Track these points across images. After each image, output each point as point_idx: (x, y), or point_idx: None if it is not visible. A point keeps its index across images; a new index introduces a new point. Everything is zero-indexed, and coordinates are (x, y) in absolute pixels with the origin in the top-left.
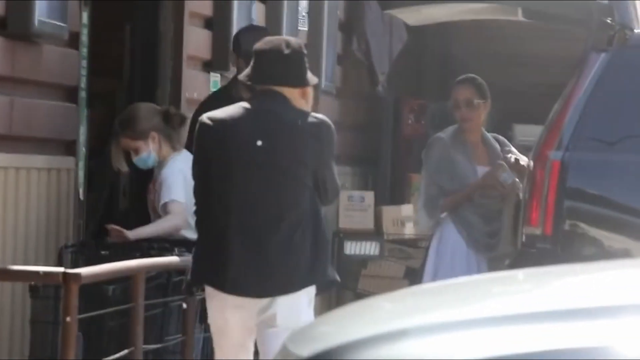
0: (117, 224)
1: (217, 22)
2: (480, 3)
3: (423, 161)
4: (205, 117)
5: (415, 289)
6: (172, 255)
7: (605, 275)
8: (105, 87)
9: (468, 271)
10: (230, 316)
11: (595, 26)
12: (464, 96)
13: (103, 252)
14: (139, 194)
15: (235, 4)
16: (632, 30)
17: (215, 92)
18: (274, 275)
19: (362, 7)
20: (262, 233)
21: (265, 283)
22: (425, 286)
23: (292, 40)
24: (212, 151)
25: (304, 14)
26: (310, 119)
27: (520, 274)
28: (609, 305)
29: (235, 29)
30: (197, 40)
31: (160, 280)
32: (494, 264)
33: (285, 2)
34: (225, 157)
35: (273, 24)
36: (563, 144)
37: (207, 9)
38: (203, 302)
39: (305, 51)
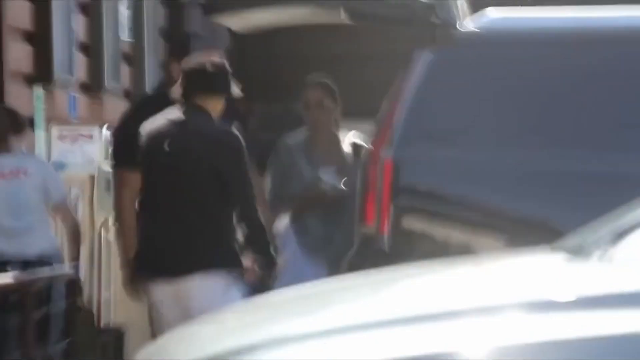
0: None
1: (37, 36)
2: (302, 6)
3: (268, 166)
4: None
5: (254, 301)
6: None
7: (438, 277)
8: None
9: (306, 275)
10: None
11: (419, 25)
12: (315, 98)
13: None
14: None
15: (55, 17)
16: (455, 28)
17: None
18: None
19: (182, 13)
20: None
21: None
22: (265, 298)
23: (216, 59)
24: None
25: (125, 23)
26: (221, 130)
27: (357, 279)
28: (447, 310)
29: (56, 42)
30: (18, 55)
31: None
32: (333, 266)
33: (106, 13)
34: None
35: (94, 35)
36: (394, 142)
37: (26, 23)
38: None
39: (228, 68)
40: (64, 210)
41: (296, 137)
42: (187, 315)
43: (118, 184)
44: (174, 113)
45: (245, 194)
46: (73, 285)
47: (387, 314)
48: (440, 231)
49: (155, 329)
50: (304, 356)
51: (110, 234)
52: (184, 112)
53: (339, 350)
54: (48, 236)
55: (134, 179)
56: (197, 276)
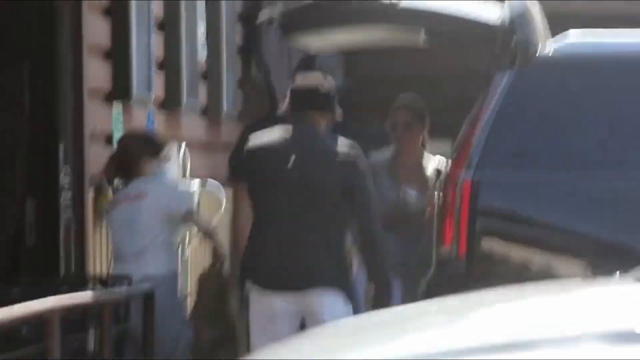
0: (25, 261)
1: (116, 53)
2: (381, 27)
3: None
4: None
5: (335, 324)
6: (85, 291)
7: (517, 305)
8: (6, 123)
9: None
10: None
11: (499, 46)
12: (403, 119)
13: (14, 292)
14: (46, 228)
15: (134, 33)
16: (535, 49)
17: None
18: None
19: (259, 31)
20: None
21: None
22: (345, 321)
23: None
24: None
25: (202, 40)
26: (345, 146)
27: (433, 305)
28: (525, 339)
29: (134, 59)
30: (96, 73)
31: (75, 317)
32: (409, 285)
33: (184, 29)
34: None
35: (172, 52)
36: (472, 163)
37: (105, 39)
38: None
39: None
40: (193, 221)
41: (380, 157)
42: (298, 328)
43: (238, 200)
44: (282, 131)
45: (370, 209)
46: (151, 303)
47: (466, 343)
48: (519, 254)
49: (249, 340)
50: None
51: (189, 249)
52: (298, 130)
53: None
54: (165, 258)
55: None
56: (317, 291)
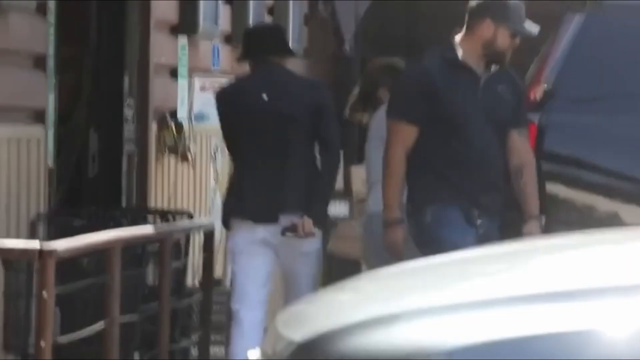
0: (87, 192)
1: None
2: None
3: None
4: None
5: (394, 269)
6: (145, 224)
7: (578, 254)
8: (72, 53)
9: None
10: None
11: None
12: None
13: (76, 222)
14: (109, 159)
15: None
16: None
17: None
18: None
19: None
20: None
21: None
22: (404, 266)
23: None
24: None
25: None
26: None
27: (496, 251)
28: (589, 287)
29: None
30: (163, 4)
31: (135, 250)
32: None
33: None
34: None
35: None
36: (540, 106)
37: None
38: None
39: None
40: None
41: None
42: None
43: (391, 136)
44: (248, 74)
45: (335, 129)
46: (210, 237)
47: (526, 290)
48: (583, 199)
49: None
50: (444, 328)
51: None
52: (265, 69)
53: (479, 324)
54: None
55: (407, 132)
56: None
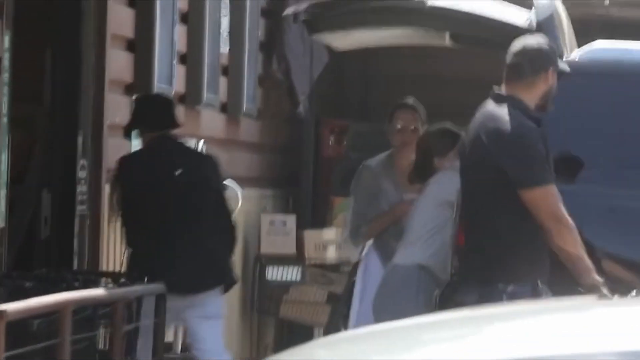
0: (39, 252)
1: (139, 45)
2: (406, 28)
3: (351, 191)
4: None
5: (346, 335)
6: (97, 287)
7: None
8: (25, 112)
9: None
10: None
11: None
12: (407, 121)
13: (27, 284)
14: (61, 221)
15: (157, 26)
16: (561, 53)
17: None
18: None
19: (282, 28)
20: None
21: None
22: (358, 332)
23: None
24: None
25: (225, 34)
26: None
27: (451, 317)
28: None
29: (157, 51)
30: (119, 64)
31: (86, 312)
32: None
33: (207, 23)
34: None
35: (194, 45)
36: None
37: (128, 31)
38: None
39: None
40: None
41: (379, 160)
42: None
43: (551, 199)
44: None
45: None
46: (162, 302)
47: (477, 356)
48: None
49: None
50: None
51: None
52: (161, 141)
53: None
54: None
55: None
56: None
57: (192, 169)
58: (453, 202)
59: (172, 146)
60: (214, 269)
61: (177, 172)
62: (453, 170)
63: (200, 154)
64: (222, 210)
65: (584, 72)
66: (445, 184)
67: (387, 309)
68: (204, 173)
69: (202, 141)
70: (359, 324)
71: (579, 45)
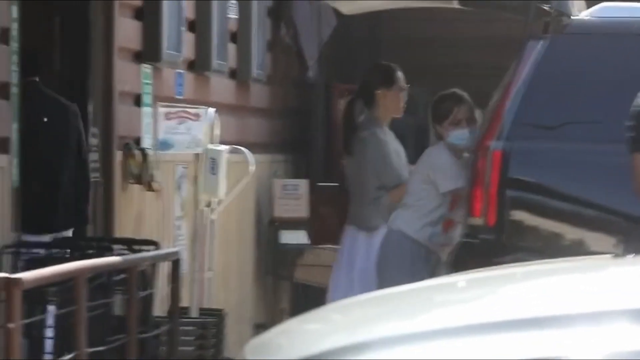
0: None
1: (147, 12)
2: None
3: (358, 157)
4: None
5: (358, 298)
6: (111, 254)
7: (545, 281)
8: (34, 82)
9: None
10: None
11: (533, 14)
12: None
13: (42, 252)
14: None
15: None
16: (569, 17)
17: None
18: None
19: None
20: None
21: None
22: (368, 295)
23: None
24: None
25: (233, 1)
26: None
27: (461, 279)
28: (557, 314)
29: (165, 18)
30: (127, 32)
31: (101, 280)
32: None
33: None
34: None
35: (203, 12)
36: (504, 133)
37: None
38: None
39: None
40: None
41: (382, 131)
42: None
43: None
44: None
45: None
46: (177, 267)
47: (493, 317)
48: (548, 226)
49: None
50: (413, 356)
51: (214, 214)
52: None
53: (447, 352)
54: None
55: None
56: None
57: (55, 116)
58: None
59: (40, 93)
60: (67, 212)
61: (45, 119)
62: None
63: (64, 103)
64: (79, 157)
65: (592, 35)
66: (424, 159)
67: (389, 273)
68: (65, 121)
69: (212, 108)
70: (348, 293)
71: (588, 6)
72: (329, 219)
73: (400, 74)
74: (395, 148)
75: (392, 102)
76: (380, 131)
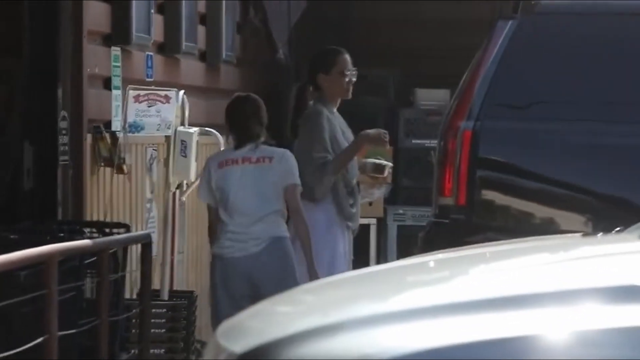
0: (22, 205)
1: None
2: None
3: (310, 129)
4: None
5: (331, 279)
6: (82, 237)
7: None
8: (4, 65)
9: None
10: None
11: None
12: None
13: (12, 237)
14: (44, 173)
15: None
16: None
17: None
18: None
19: None
20: None
21: None
22: (341, 277)
23: None
24: None
25: None
26: None
27: (433, 259)
28: (527, 293)
29: (134, 2)
30: (96, 15)
31: (72, 263)
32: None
33: None
34: None
35: None
36: (473, 113)
37: None
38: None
39: None
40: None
41: (326, 108)
42: None
43: None
44: None
45: None
46: (148, 249)
47: (466, 297)
48: (520, 204)
49: None
50: (386, 337)
51: (184, 197)
52: None
53: (420, 332)
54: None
55: None
56: None
57: None
58: None
59: None
60: None
61: None
62: None
63: None
64: None
65: (561, 14)
66: None
67: None
68: None
69: (182, 90)
70: None
71: None
72: None
73: (342, 58)
74: (340, 126)
75: (334, 86)
76: (325, 110)
